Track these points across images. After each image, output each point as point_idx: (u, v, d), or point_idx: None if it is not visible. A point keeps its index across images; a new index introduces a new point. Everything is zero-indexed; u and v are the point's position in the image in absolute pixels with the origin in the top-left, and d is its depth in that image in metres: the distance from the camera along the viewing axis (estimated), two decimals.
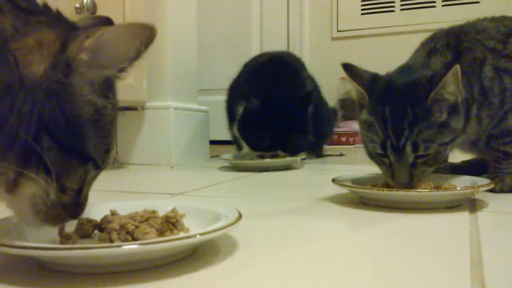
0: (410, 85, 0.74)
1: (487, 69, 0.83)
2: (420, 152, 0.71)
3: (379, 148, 0.73)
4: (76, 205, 0.44)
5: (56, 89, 0.39)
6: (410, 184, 0.72)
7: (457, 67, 0.69)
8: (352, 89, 0.80)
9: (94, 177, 0.46)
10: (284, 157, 1.36)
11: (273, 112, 1.35)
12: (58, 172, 0.40)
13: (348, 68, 0.78)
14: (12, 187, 0.40)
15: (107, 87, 0.42)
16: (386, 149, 0.72)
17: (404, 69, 0.82)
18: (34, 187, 0.40)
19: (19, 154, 0.38)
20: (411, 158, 0.71)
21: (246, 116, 1.42)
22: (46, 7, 0.43)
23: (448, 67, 0.71)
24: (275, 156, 1.37)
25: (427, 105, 0.71)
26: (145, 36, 0.41)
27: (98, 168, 0.44)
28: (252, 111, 1.38)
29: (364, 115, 0.76)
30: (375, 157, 0.76)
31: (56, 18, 0.42)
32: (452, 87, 0.71)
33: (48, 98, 0.38)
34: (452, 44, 0.85)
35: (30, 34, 0.39)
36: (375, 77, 0.79)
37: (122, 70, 0.42)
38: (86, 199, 0.46)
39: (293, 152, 1.38)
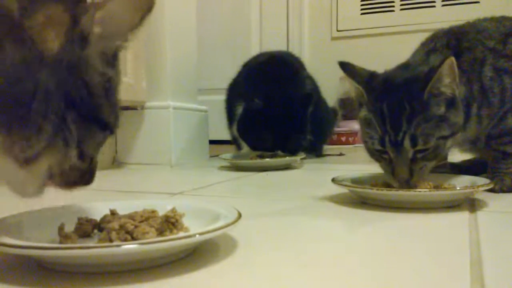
0: (408, 81, 0.75)
1: (487, 69, 0.83)
2: (419, 147, 0.71)
3: (378, 144, 0.73)
4: (90, 171, 0.46)
5: (76, 63, 0.40)
6: (410, 180, 0.72)
7: (452, 59, 0.69)
8: (350, 87, 0.80)
9: (103, 144, 0.48)
10: (284, 157, 1.36)
11: (273, 112, 1.35)
12: (80, 140, 0.42)
13: (346, 66, 0.79)
14: (31, 160, 0.40)
15: (115, 57, 0.45)
16: (385, 144, 0.72)
17: (402, 67, 0.82)
18: (54, 158, 0.41)
19: (47, 129, 0.39)
20: (410, 153, 0.72)
21: (245, 116, 1.42)
22: None
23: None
24: (274, 155, 1.37)
25: (424, 99, 0.71)
26: (146, 5, 0.43)
27: (112, 133, 0.46)
28: (252, 111, 1.38)
29: (363, 112, 0.77)
30: (375, 154, 0.76)
31: None
32: (447, 79, 0.71)
33: (70, 73, 0.40)
34: (452, 44, 0.85)
35: (38, 10, 0.39)
36: (372, 74, 0.79)
37: (127, 39, 0.44)
38: (96, 166, 0.48)
39: (292, 152, 1.38)
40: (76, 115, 0.40)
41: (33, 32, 0.38)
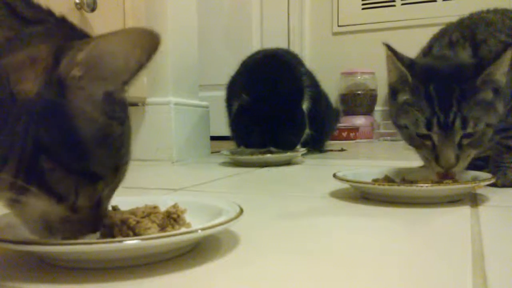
0: (456, 67, 0.74)
1: None
2: (469, 130, 0.70)
3: (423, 128, 0.71)
4: (96, 220, 0.43)
5: (52, 109, 0.37)
6: (455, 167, 0.71)
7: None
8: (392, 70, 0.77)
9: (112, 191, 0.44)
10: (285, 152, 1.36)
11: (262, 107, 1.34)
12: (65, 192, 0.39)
13: (391, 48, 0.77)
14: (17, 201, 0.39)
15: (111, 102, 0.39)
16: (431, 127, 0.71)
17: (439, 58, 0.81)
18: (42, 204, 0.39)
19: (19, 169, 0.36)
20: (458, 136, 0.70)
21: (236, 114, 1.41)
22: (48, 13, 0.41)
23: (474, 56, 0.75)
24: (268, 152, 1.36)
25: (476, 83, 0.70)
26: (147, 43, 0.38)
27: (109, 185, 0.42)
28: (241, 108, 1.37)
29: (403, 96, 0.75)
30: (416, 141, 0.75)
31: (55, 27, 0.40)
32: (504, 68, 0.71)
33: (43, 118, 0.36)
34: (467, 36, 0.85)
35: (23, 48, 0.37)
36: (413, 60, 0.78)
37: (124, 83, 0.39)
38: (105, 213, 0.45)
39: (285, 147, 1.36)
40: (51, 163, 0.37)
41: (10, 70, 0.36)
